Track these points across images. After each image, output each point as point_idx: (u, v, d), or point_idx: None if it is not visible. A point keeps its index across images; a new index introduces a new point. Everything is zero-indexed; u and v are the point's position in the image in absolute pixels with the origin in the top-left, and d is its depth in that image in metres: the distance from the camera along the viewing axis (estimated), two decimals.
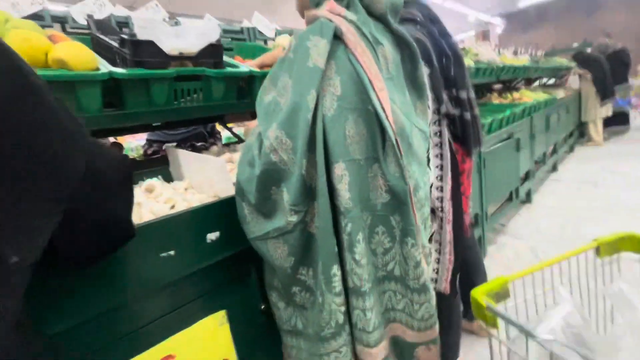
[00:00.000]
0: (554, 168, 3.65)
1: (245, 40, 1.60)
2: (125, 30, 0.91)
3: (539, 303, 0.59)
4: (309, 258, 0.67)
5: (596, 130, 4.57)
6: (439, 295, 0.94)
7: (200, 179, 0.88)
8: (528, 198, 2.85)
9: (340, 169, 0.61)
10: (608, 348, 0.44)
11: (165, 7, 1.27)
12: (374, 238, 0.66)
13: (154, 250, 0.64)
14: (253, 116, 1.69)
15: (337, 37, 0.61)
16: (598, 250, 0.64)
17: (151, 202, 0.76)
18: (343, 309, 0.65)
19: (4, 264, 0.32)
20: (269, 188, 0.64)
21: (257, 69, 1.05)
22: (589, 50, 5.04)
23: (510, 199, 2.51)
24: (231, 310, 0.79)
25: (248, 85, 1.07)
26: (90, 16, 1.04)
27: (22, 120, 0.33)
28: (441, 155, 1.03)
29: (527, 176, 2.80)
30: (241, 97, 1.08)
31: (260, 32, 1.64)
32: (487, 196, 1.98)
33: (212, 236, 0.72)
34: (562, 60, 4.68)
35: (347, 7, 0.64)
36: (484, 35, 10.39)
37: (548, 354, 0.41)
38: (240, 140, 1.67)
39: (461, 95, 1.03)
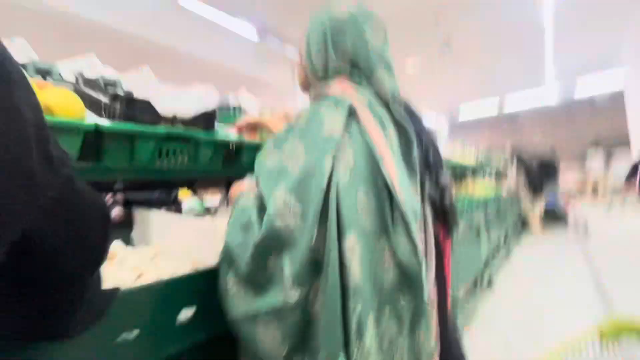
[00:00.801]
0: (508, 255, 3.86)
1: (229, 111, 1.65)
2: (110, 88, 0.90)
3: None
4: (306, 345, 0.56)
5: (535, 223, 5.10)
6: None
7: (174, 244, 0.78)
8: (489, 284, 2.91)
9: (352, 241, 0.55)
10: None
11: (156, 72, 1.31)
12: (381, 323, 0.57)
13: (112, 331, 0.51)
14: (228, 185, 1.65)
15: (350, 113, 0.63)
16: (601, 336, 0.63)
17: (114, 269, 0.64)
18: None
19: None
20: (267, 257, 0.56)
21: (244, 132, 1.06)
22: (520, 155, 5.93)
23: (475, 284, 2.54)
24: None
25: (235, 153, 1.07)
26: (80, 73, 1.03)
27: None
28: (425, 239, 1.03)
29: (486, 263, 2.91)
30: (227, 164, 1.06)
31: (240, 109, 1.72)
32: (456, 281, 1.98)
33: (185, 314, 0.60)
34: (500, 158, 5.41)
35: (358, 87, 0.69)
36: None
37: None
38: (207, 211, 1.59)
39: (440, 179, 1.10)
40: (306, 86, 0.81)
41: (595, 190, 8.33)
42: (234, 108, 1.61)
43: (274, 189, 0.58)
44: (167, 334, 0.57)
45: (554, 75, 8.79)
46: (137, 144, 0.78)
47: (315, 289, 0.56)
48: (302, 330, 0.56)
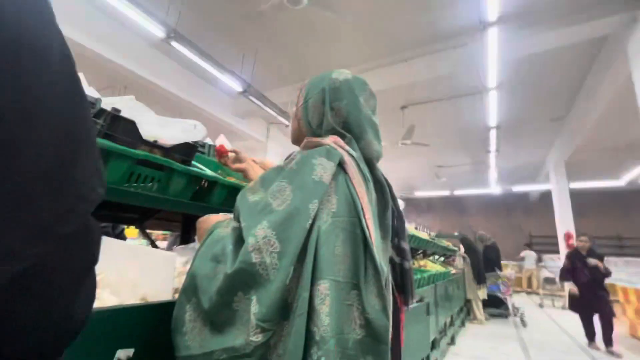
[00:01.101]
0: (452, 341, 3.85)
1: (204, 154, 1.65)
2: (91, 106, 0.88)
3: None
4: None
5: (478, 309, 5.24)
6: None
7: (121, 275, 0.70)
8: None
9: (324, 288, 0.53)
10: None
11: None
12: None
13: None
14: (186, 223, 1.56)
15: (339, 164, 0.66)
16: None
17: None
18: None
19: None
20: (235, 293, 0.53)
21: (226, 158, 1.04)
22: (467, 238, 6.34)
23: None
24: None
25: (208, 190, 1.05)
26: None
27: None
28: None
29: (433, 345, 2.87)
30: (196, 199, 1.03)
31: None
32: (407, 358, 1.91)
33: (122, 354, 0.52)
34: (449, 243, 5.73)
35: (348, 143, 0.74)
36: None
37: None
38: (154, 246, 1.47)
39: (402, 245, 1.14)
40: (298, 137, 0.85)
41: (529, 284, 9.04)
42: (210, 147, 1.62)
43: (255, 223, 0.57)
44: None
45: (495, 178, 10.05)
46: (111, 162, 0.75)
47: (278, 335, 0.52)
48: None
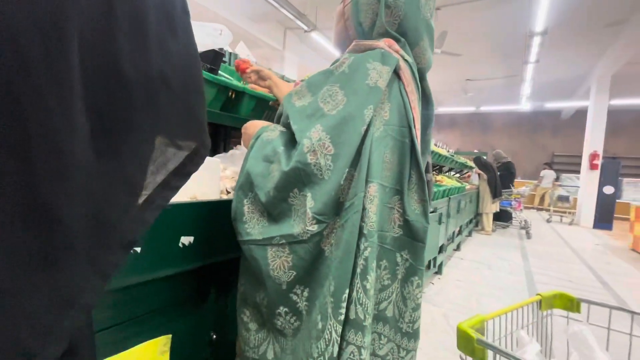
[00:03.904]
0: (458, 247, 4.20)
1: (226, 63, 1.60)
2: None
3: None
4: (311, 277, 0.60)
5: (488, 221, 5.53)
6: None
7: None
8: (439, 269, 3.17)
9: (373, 190, 0.59)
10: None
11: None
12: (379, 271, 0.62)
13: None
14: (216, 132, 1.62)
15: (395, 69, 0.64)
16: (540, 304, 0.74)
17: None
18: (339, 341, 0.57)
19: None
20: (291, 189, 0.58)
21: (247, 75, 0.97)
22: (485, 157, 6.31)
23: (428, 266, 2.75)
24: (176, 337, 0.66)
25: (236, 100, 1.06)
26: None
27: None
28: None
29: (440, 249, 3.15)
30: (224, 109, 1.05)
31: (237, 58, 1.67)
32: None
33: (185, 240, 0.62)
34: (466, 160, 5.74)
35: (403, 48, 0.68)
36: None
37: None
38: None
39: (427, 159, 1.17)
40: (343, 40, 0.77)
41: (542, 200, 9.20)
42: (230, 55, 1.56)
43: (308, 126, 0.59)
44: (167, 255, 0.59)
45: (528, 94, 9.27)
46: None
47: (330, 228, 0.59)
48: (311, 263, 0.59)
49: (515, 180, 7.19)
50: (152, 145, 0.34)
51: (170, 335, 0.64)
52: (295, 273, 0.59)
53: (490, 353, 0.51)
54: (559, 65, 7.74)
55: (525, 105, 10.84)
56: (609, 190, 7.04)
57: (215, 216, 0.67)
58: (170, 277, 0.63)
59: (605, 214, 7.07)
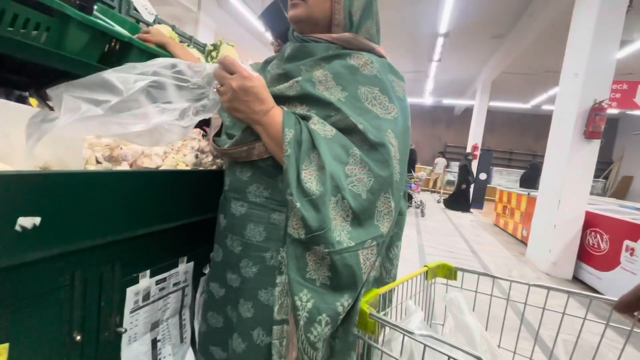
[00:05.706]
0: None
1: (114, 9, 1.31)
2: None
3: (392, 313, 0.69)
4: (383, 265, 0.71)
5: None
6: None
7: (11, 144, 0.59)
8: None
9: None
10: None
11: None
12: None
13: None
14: None
15: None
16: (426, 275, 0.82)
17: None
18: None
19: None
20: (384, 192, 0.59)
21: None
22: None
23: None
24: (20, 344, 0.51)
25: (121, 53, 0.87)
26: None
27: None
28: None
29: None
30: (107, 63, 0.85)
31: (135, 10, 1.39)
32: None
33: (27, 222, 0.47)
34: None
35: None
36: None
37: (418, 352, 0.48)
38: None
39: None
40: (320, 21, 0.67)
41: (435, 184, 10.71)
42: (121, 2, 1.29)
43: (379, 127, 0.60)
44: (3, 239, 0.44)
45: (431, 89, 10.45)
46: None
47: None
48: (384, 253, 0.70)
49: (416, 165, 8.12)
50: None
51: (6, 345, 0.50)
52: (378, 268, 0.67)
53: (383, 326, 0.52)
54: (456, 66, 8.87)
55: (427, 99, 12.20)
56: (483, 176, 8.50)
57: (76, 192, 0.53)
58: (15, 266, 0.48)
59: (479, 196, 8.56)
